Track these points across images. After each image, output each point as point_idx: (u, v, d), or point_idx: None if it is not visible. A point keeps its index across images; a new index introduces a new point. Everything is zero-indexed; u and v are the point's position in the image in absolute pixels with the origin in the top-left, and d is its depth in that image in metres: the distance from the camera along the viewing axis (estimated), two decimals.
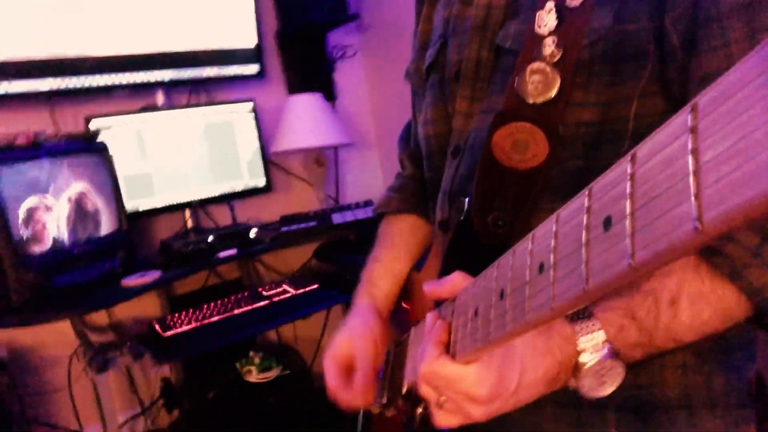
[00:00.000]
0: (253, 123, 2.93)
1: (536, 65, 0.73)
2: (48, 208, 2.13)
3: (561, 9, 0.72)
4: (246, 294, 2.57)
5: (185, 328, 2.28)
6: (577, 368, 0.64)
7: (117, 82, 2.58)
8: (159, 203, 2.68)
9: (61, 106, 2.57)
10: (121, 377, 2.75)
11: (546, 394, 0.67)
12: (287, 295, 2.53)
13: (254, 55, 2.99)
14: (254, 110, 2.93)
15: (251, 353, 2.70)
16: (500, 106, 0.79)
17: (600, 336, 0.64)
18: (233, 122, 2.88)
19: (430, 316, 0.72)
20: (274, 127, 3.02)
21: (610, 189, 0.36)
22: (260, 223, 2.88)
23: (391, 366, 0.99)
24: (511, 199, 0.74)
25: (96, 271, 2.25)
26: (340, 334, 1.04)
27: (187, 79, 2.82)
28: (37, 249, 2.06)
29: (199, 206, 2.89)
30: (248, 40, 2.96)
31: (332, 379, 1.00)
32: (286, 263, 3.12)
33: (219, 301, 2.48)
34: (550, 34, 0.73)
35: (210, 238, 2.60)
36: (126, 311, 2.72)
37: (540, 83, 0.73)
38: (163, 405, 2.75)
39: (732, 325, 0.66)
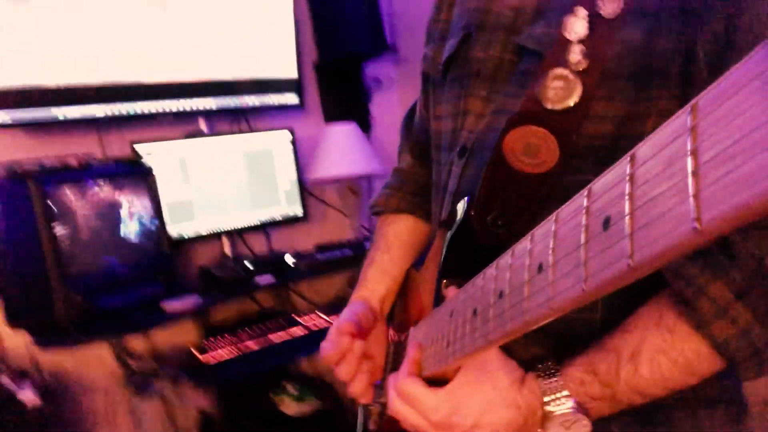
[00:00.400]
0: (291, 152, 2.99)
1: (559, 71, 0.72)
2: (95, 230, 2.18)
3: (593, 18, 0.71)
4: (283, 321, 2.59)
5: (223, 354, 2.31)
6: (543, 419, 0.68)
7: (162, 109, 2.65)
8: (199, 228, 2.71)
9: (108, 131, 2.63)
10: (158, 407, 2.73)
11: None
12: (323, 323, 2.54)
13: (294, 85, 3.06)
14: (293, 140, 2.99)
15: (284, 383, 2.70)
16: (514, 108, 0.78)
17: (562, 390, 0.68)
18: (272, 150, 2.94)
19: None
20: (311, 156, 3.05)
21: (609, 189, 0.36)
22: (295, 251, 2.90)
23: (391, 367, 1.00)
24: (514, 202, 0.74)
25: (138, 294, 2.29)
26: (329, 331, 1.05)
27: (229, 108, 2.89)
28: (83, 270, 2.10)
29: (237, 234, 2.93)
30: (289, 70, 3.03)
31: (328, 349, 1.00)
32: (319, 293, 3.12)
33: (256, 328, 2.50)
34: (579, 41, 0.71)
35: (248, 265, 2.64)
36: (164, 338, 2.73)
37: (561, 90, 0.71)
38: None
39: (703, 378, 0.68)
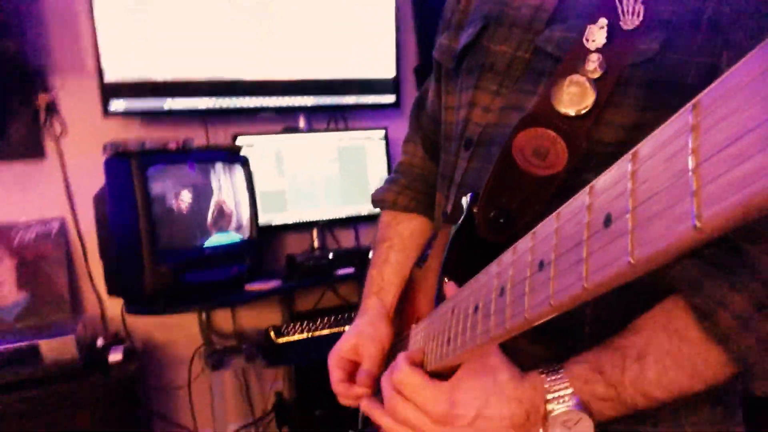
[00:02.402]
0: (383, 150, 3.05)
1: (576, 77, 0.72)
2: (187, 209, 2.31)
3: (613, 28, 0.71)
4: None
5: (297, 337, 2.44)
6: (545, 417, 0.66)
7: (264, 105, 2.82)
8: (290, 219, 2.83)
9: (213, 124, 2.83)
10: (237, 384, 2.90)
11: None
12: None
13: (391, 85, 3.13)
14: (386, 137, 3.05)
15: None
16: (526, 106, 0.79)
17: (566, 387, 0.67)
18: (365, 148, 3.01)
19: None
20: None
21: (611, 187, 0.36)
22: None
23: (389, 364, 0.99)
24: (519, 201, 0.74)
25: (223, 273, 2.40)
26: (347, 333, 1.05)
27: (327, 106, 3.00)
28: (173, 246, 2.25)
29: (326, 227, 3.03)
30: (387, 71, 3.11)
31: (337, 377, 1.02)
32: None
33: (333, 317, 2.61)
34: (597, 50, 0.72)
35: (330, 255, 2.74)
36: (250, 320, 2.89)
37: (576, 96, 0.72)
38: (275, 419, 2.85)
39: (709, 385, 0.66)
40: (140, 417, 2.35)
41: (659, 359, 0.65)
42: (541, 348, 0.76)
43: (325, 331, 2.50)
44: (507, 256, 0.51)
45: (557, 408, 0.66)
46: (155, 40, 2.54)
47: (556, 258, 0.41)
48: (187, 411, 2.76)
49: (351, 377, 1.02)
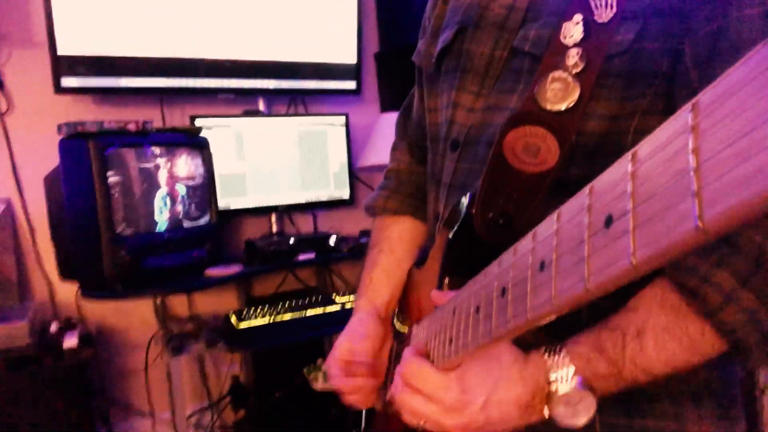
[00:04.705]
0: (344, 136, 3.05)
1: (558, 74, 0.74)
2: (147, 193, 2.25)
3: (588, 23, 0.73)
4: (319, 298, 2.67)
5: (258, 322, 2.43)
6: (549, 397, 0.67)
7: (223, 86, 2.76)
8: (248, 203, 2.81)
9: (170, 104, 2.77)
10: (194, 369, 2.87)
11: (522, 423, 0.70)
12: None
13: (352, 71, 3.12)
14: (347, 124, 3.05)
15: (319, 361, 2.75)
16: (508, 105, 0.82)
17: (569, 367, 0.68)
18: (326, 133, 3.00)
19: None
20: (364, 143, 3.10)
21: (611, 187, 0.36)
22: (340, 234, 2.94)
23: (394, 364, 1.00)
24: (515, 200, 0.75)
25: (183, 258, 2.36)
26: (341, 337, 1.06)
27: (287, 89, 2.98)
28: (131, 230, 2.19)
29: (285, 212, 3.01)
30: (348, 57, 3.09)
31: (338, 380, 1.02)
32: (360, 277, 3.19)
33: (293, 302, 2.60)
34: (575, 45, 0.74)
35: (291, 241, 2.73)
36: (206, 305, 2.86)
37: (560, 91, 0.73)
38: (231, 402, 2.84)
39: (706, 359, 0.67)
40: (96, 404, 2.33)
41: (658, 335, 0.66)
42: (540, 336, 0.75)
43: (287, 316, 2.49)
44: (507, 257, 0.51)
45: (560, 388, 0.67)
46: (112, 14, 2.45)
47: (557, 259, 0.41)
48: (143, 396, 2.74)
49: (349, 376, 1.03)
